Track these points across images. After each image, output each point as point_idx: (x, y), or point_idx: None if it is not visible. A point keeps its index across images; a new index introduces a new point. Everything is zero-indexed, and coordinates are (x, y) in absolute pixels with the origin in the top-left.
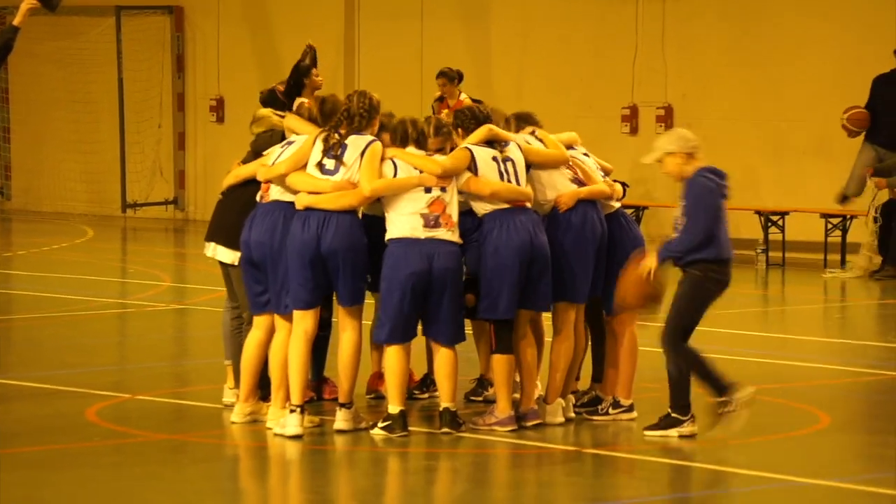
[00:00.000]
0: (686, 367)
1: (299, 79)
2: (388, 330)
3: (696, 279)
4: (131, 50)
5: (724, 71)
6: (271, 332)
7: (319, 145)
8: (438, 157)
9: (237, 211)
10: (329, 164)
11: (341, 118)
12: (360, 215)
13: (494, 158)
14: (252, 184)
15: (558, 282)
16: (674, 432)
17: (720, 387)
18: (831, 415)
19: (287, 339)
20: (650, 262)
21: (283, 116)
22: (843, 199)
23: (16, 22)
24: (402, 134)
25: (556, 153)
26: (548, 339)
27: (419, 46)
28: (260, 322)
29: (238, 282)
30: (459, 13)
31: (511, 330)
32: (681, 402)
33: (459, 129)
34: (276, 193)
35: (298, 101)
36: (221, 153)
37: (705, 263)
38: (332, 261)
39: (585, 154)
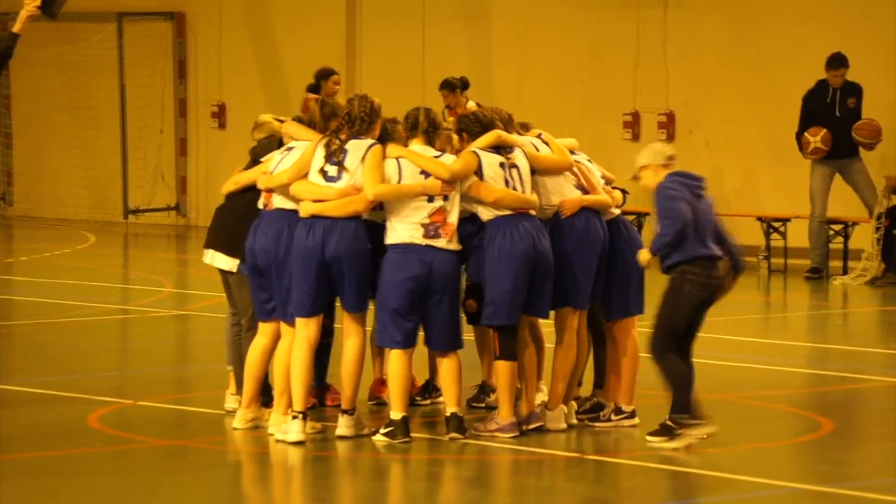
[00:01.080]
0: (666, 375)
1: (319, 80)
2: (389, 334)
3: (673, 283)
4: (133, 56)
5: (725, 76)
6: (276, 338)
7: (321, 151)
8: (446, 160)
9: (236, 218)
10: (332, 170)
11: (342, 122)
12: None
13: (501, 165)
14: (251, 191)
15: (560, 288)
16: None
17: (684, 409)
18: (833, 421)
19: (291, 345)
20: (644, 256)
21: (282, 122)
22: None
23: (16, 29)
24: (413, 122)
25: (560, 159)
26: (549, 345)
27: (421, 49)
28: (265, 329)
29: (237, 288)
30: (461, 15)
31: (515, 337)
32: (678, 408)
33: (464, 134)
34: (279, 201)
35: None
36: (223, 159)
37: (682, 265)
38: (337, 266)
39: (589, 160)
